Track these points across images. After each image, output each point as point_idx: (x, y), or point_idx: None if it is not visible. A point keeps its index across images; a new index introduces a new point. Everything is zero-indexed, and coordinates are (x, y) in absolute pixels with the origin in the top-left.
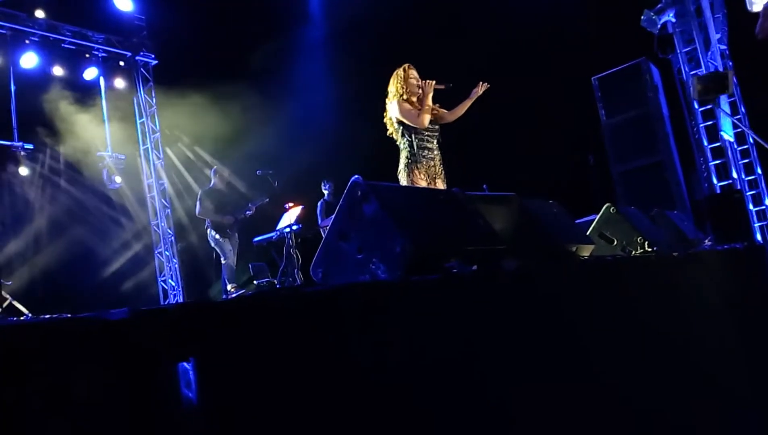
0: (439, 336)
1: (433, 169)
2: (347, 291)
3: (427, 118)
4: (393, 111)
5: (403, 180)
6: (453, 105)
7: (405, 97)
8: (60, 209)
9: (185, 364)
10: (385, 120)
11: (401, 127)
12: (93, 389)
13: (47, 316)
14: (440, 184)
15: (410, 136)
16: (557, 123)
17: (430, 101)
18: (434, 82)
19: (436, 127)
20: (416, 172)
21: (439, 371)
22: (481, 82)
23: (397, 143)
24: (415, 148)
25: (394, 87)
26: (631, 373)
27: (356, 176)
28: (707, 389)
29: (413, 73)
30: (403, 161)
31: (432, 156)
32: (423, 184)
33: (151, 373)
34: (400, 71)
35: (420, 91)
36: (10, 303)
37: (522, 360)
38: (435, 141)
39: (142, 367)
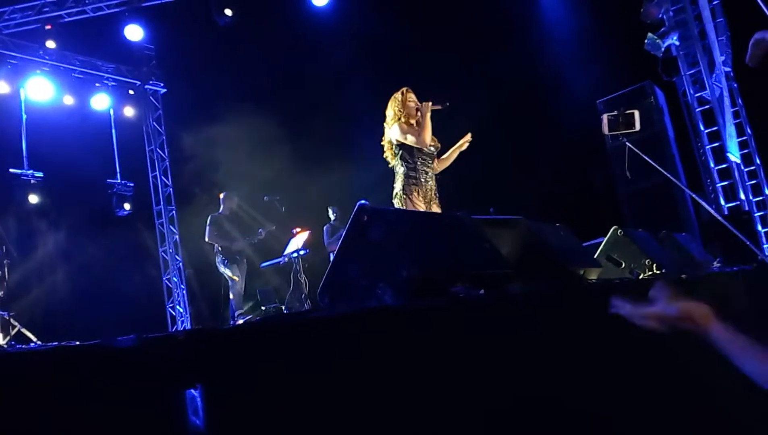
0: (447, 361)
1: (429, 192)
2: (354, 317)
3: (428, 137)
4: (393, 134)
5: (398, 204)
6: (452, 128)
7: (404, 120)
8: (69, 237)
9: (193, 390)
10: (382, 143)
11: (401, 151)
12: (101, 416)
13: (55, 344)
14: (435, 208)
15: (411, 159)
16: (564, 146)
17: (428, 121)
18: (431, 102)
19: (434, 152)
20: (415, 194)
21: (446, 396)
22: (469, 135)
23: (392, 166)
24: (416, 170)
25: (392, 110)
26: (636, 397)
27: (362, 201)
28: (715, 410)
29: (411, 96)
30: (399, 184)
31: (429, 179)
32: (421, 207)
33: (159, 400)
34: (398, 95)
35: (418, 114)
36: (19, 330)
37: (529, 385)
38: (432, 165)
39: (150, 395)
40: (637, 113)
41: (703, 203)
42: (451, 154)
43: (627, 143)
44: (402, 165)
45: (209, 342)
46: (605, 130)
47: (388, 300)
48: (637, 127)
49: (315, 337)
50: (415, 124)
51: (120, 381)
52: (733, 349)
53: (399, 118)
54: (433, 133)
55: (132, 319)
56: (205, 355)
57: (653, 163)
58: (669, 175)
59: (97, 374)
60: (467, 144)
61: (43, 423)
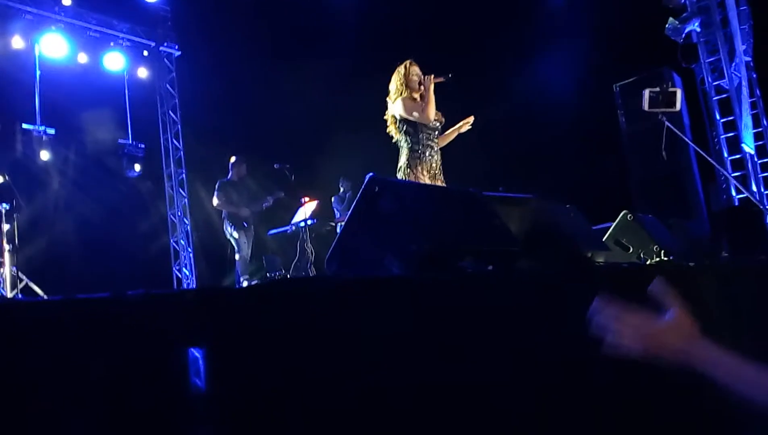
0: (451, 332)
1: (434, 167)
2: (361, 284)
3: (432, 112)
4: (397, 109)
5: (403, 178)
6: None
7: (406, 94)
8: (78, 194)
9: (195, 352)
10: (385, 117)
11: (405, 125)
12: (105, 368)
13: (62, 296)
14: (440, 184)
15: (415, 134)
16: (579, 129)
17: (432, 95)
18: (433, 75)
19: (438, 126)
20: (419, 168)
21: (449, 367)
22: (472, 118)
23: (395, 141)
24: (420, 145)
25: (395, 84)
26: (636, 387)
27: (371, 173)
28: (713, 407)
29: (415, 69)
30: (404, 159)
31: (433, 154)
32: (425, 181)
33: (163, 356)
34: (401, 68)
35: (422, 88)
36: (26, 284)
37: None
38: (436, 140)
39: (155, 350)
40: (679, 92)
41: (744, 190)
42: (450, 135)
43: (666, 122)
44: (406, 140)
45: (219, 301)
46: (645, 106)
47: (396, 271)
48: (678, 106)
49: (322, 302)
50: (418, 98)
51: (126, 334)
52: (724, 370)
53: (401, 93)
54: (439, 110)
55: (138, 280)
56: (213, 314)
57: (690, 143)
58: (711, 160)
59: (103, 327)
60: (468, 126)
61: (46, 371)
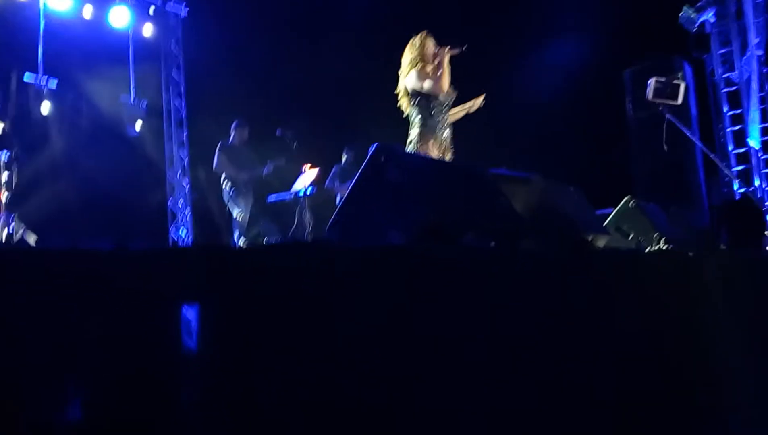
0: (448, 305)
1: (444, 142)
2: (360, 252)
3: (446, 83)
4: (410, 81)
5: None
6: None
7: (420, 66)
8: (78, 150)
9: (188, 312)
10: (397, 91)
11: (417, 98)
12: (99, 319)
13: (60, 246)
14: (448, 159)
15: (427, 107)
16: (585, 113)
17: (447, 66)
18: (448, 47)
19: (450, 101)
20: (430, 143)
21: (445, 341)
22: (482, 97)
23: (406, 115)
24: (432, 119)
25: (408, 57)
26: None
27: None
28: (707, 398)
29: (430, 41)
30: (415, 132)
31: (444, 128)
32: (435, 156)
33: (161, 310)
34: (416, 40)
35: (436, 60)
36: (23, 234)
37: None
38: (447, 115)
39: (151, 305)
40: (683, 85)
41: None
42: (458, 113)
43: (667, 114)
44: (418, 114)
45: (218, 259)
46: (649, 95)
47: (397, 241)
48: (679, 100)
49: (319, 268)
50: (431, 71)
51: (124, 286)
52: None
53: (415, 65)
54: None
55: (135, 239)
56: (211, 272)
57: (694, 138)
58: (713, 157)
59: (101, 278)
60: (477, 106)
61: (42, 320)
